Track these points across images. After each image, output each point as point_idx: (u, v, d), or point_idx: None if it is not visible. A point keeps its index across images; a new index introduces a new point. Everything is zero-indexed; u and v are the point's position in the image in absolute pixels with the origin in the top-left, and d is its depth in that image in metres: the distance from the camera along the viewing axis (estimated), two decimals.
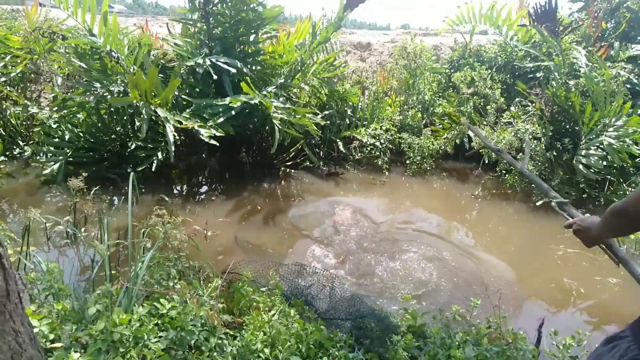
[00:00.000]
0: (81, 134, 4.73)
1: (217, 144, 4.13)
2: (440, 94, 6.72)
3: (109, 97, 4.42)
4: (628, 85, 5.44)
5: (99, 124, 4.80)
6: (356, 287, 3.23)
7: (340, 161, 6.02)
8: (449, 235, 4.17)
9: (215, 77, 4.56)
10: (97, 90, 4.39)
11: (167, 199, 3.89)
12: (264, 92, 4.65)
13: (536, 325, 2.37)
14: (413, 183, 5.67)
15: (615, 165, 4.71)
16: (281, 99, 4.84)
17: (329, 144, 6.04)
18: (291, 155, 5.75)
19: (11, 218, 3.91)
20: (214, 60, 4.54)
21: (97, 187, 3.83)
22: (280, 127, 4.44)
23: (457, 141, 5.99)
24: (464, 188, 5.53)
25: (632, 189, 4.77)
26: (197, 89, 4.87)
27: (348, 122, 6.21)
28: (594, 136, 4.87)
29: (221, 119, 4.35)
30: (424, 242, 3.98)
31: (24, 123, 5.66)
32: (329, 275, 3.08)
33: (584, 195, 5.03)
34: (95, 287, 2.17)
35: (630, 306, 3.25)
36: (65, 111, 4.61)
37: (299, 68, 5.27)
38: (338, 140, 5.96)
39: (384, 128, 6.08)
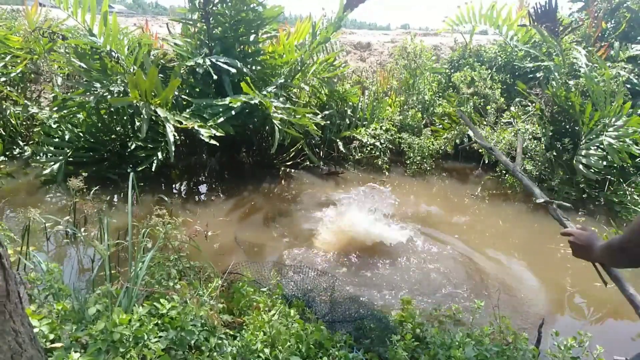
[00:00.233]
0: (81, 134, 4.73)
1: (217, 144, 4.13)
2: (440, 94, 6.72)
3: (109, 97, 4.42)
4: (628, 85, 5.44)
5: (99, 124, 4.80)
6: (356, 287, 3.23)
7: (340, 161, 6.02)
8: (449, 235, 4.17)
9: (215, 77, 4.56)
10: (97, 90, 4.39)
11: (167, 199, 3.89)
12: (264, 92, 4.64)
13: (536, 325, 2.38)
14: (413, 183, 5.67)
15: (615, 165, 4.71)
16: (281, 99, 4.84)
17: (329, 143, 6.04)
18: (291, 155, 5.75)
19: (11, 218, 3.91)
20: (214, 60, 4.54)
21: (97, 187, 3.83)
22: (280, 127, 4.45)
23: (457, 141, 5.99)
24: (464, 188, 5.53)
25: (632, 189, 4.78)
26: (197, 89, 4.87)
27: (348, 122, 6.21)
28: (594, 136, 4.87)
29: (221, 119, 4.35)
30: (424, 241, 3.98)
31: (24, 123, 5.66)
32: (329, 275, 3.08)
33: (584, 195, 5.04)
34: (95, 287, 2.17)
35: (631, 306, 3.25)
36: (65, 111, 4.61)
37: (299, 68, 5.27)
38: (338, 140, 5.96)
39: (384, 128, 6.08)
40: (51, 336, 1.68)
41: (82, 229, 3.40)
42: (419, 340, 2.25)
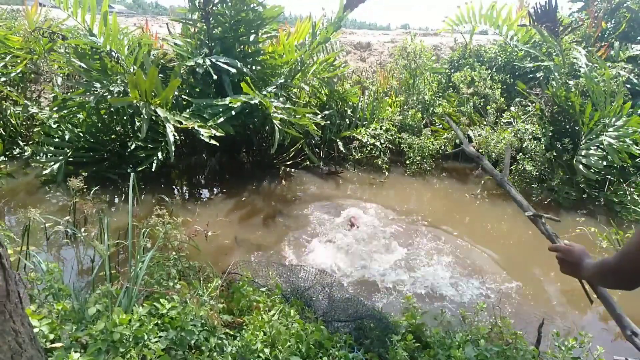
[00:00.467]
0: (81, 134, 4.73)
1: (217, 144, 4.13)
2: (440, 94, 6.72)
3: (109, 97, 4.42)
4: (628, 85, 5.44)
5: (99, 124, 4.80)
6: (356, 286, 3.23)
7: (340, 161, 6.02)
8: (449, 235, 4.17)
9: (215, 77, 4.57)
10: (97, 90, 4.39)
11: (167, 199, 3.89)
12: (264, 92, 4.64)
13: (536, 325, 2.38)
14: (413, 183, 5.67)
15: (615, 165, 4.71)
16: (281, 99, 4.84)
17: (329, 144, 6.04)
18: (291, 155, 5.75)
19: (11, 218, 3.91)
20: (214, 60, 4.54)
21: (97, 187, 3.83)
22: (280, 127, 4.44)
23: (457, 141, 5.98)
24: (464, 188, 5.53)
25: (632, 189, 4.78)
26: (197, 89, 4.87)
27: (348, 122, 6.21)
28: (594, 136, 4.87)
29: (221, 119, 4.35)
30: (424, 241, 3.99)
31: (24, 123, 5.66)
32: (329, 275, 3.08)
33: (584, 196, 5.03)
34: (95, 287, 2.17)
35: (632, 305, 3.26)
36: (65, 111, 4.61)
37: (299, 68, 5.27)
38: (338, 140, 5.96)
39: (384, 128, 6.08)
40: (51, 336, 1.68)
41: (82, 229, 3.40)
42: (419, 341, 2.25)
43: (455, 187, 5.59)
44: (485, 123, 5.81)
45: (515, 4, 6.77)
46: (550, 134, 5.32)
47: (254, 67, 5.14)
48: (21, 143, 5.42)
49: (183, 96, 4.82)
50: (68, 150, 4.59)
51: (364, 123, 6.23)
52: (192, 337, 1.85)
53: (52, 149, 4.70)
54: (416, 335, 2.29)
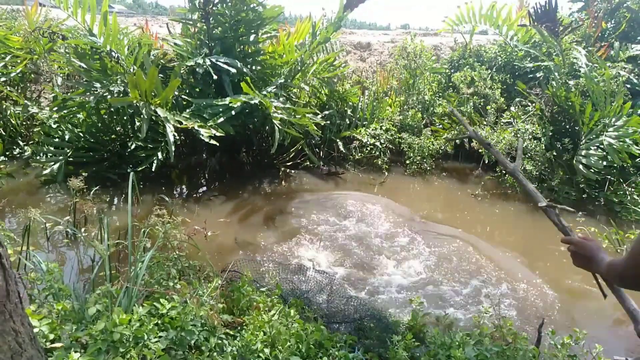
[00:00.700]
0: (81, 134, 4.73)
1: (217, 144, 4.13)
2: (440, 94, 6.72)
3: (109, 97, 4.42)
4: (628, 85, 5.44)
5: (99, 124, 4.80)
6: (356, 286, 3.23)
7: (340, 161, 6.02)
8: (448, 235, 4.17)
9: (215, 77, 4.57)
10: (97, 90, 4.39)
11: (167, 198, 3.89)
12: (264, 92, 4.65)
13: (536, 325, 2.37)
14: (413, 183, 5.67)
15: (615, 165, 4.71)
16: (281, 99, 4.84)
17: (329, 144, 6.04)
18: (291, 156, 5.75)
19: (11, 218, 3.91)
20: (214, 60, 4.54)
21: (97, 187, 3.83)
22: (280, 127, 4.45)
23: (457, 141, 5.99)
24: (464, 188, 5.53)
25: (632, 189, 4.78)
26: (197, 89, 4.87)
27: (348, 122, 6.21)
28: (594, 136, 4.87)
29: (221, 119, 4.35)
30: (423, 241, 3.98)
31: (24, 123, 5.66)
32: (329, 276, 3.08)
33: (584, 196, 5.03)
34: (95, 287, 2.17)
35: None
36: (65, 111, 4.61)
37: (299, 68, 5.27)
38: (338, 140, 5.96)
39: (384, 128, 6.08)
40: (51, 336, 1.68)
41: (82, 229, 3.40)
42: (420, 341, 2.25)
43: (456, 187, 5.59)
44: (485, 123, 5.81)
45: (515, 4, 6.77)
46: (550, 134, 5.32)
47: (254, 67, 5.14)
48: (21, 143, 5.42)
49: (183, 96, 4.82)
50: (68, 150, 4.59)
51: (364, 123, 6.23)
52: (192, 337, 1.85)
53: (52, 149, 4.70)
54: (416, 335, 2.29)
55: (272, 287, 2.62)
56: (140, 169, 4.45)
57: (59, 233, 3.54)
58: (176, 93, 4.64)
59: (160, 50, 5.31)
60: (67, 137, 4.70)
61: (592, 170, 4.78)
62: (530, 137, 5.18)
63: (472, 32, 6.99)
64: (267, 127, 5.38)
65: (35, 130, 5.40)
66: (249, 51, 5.14)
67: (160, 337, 1.79)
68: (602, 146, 4.76)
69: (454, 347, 2.05)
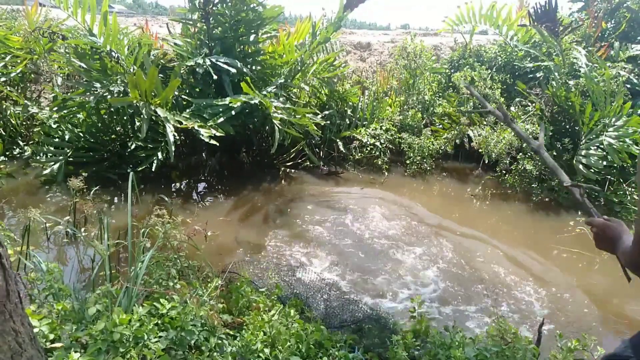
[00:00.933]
0: (81, 134, 4.73)
1: (217, 144, 4.13)
2: (440, 94, 6.72)
3: (109, 97, 4.42)
4: (628, 85, 5.44)
5: (99, 124, 4.80)
6: (356, 288, 3.23)
7: (340, 161, 6.02)
8: (448, 235, 4.17)
9: (215, 77, 4.57)
10: (97, 90, 4.39)
11: (167, 199, 3.89)
12: (264, 92, 4.65)
13: (536, 324, 2.37)
14: (413, 183, 5.67)
15: (615, 165, 4.71)
16: (281, 99, 4.84)
17: (329, 144, 6.04)
18: (291, 156, 5.75)
19: (11, 218, 3.91)
20: (214, 60, 4.54)
21: (97, 187, 3.82)
22: (280, 127, 4.45)
23: (457, 141, 5.99)
24: (464, 188, 5.53)
25: (632, 189, 4.78)
26: (197, 89, 4.87)
27: (348, 122, 6.21)
28: (594, 136, 4.87)
29: (221, 119, 4.36)
30: (423, 242, 3.98)
31: (24, 123, 5.66)
32: (328, 277, 3.08)
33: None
34: (95, 287, 2.17)
35: (633, 306, 3.26)
36: (65, 111, 4.61)
37: (299, 68, 5.27)
38: (338, 140, 5.96)
39: (384, 128, 6.08)
40: (51, 336, 1.68)
41: (82, 229, 3.40)
42: (420, 341, 2.25)
43: (456, 187, 5.59)
44: (485, 123, 5.81)
45: (515, 4, 6.77)
46: (550, 134, 5.32)
47: (254, 67, 5.14)
48: (21, 143, 5.42)
49: (183, 96, 4.82)
50: (68, 150, 4.59)
51: (364, 123, 6.23)
52: (192, 337, 1.85)
53: (52, 149, 4.71)
54: (416, 335, 2.29)
55: (271, 288, 2.61)
56: (140, 169, 4.45)
57: (59, 233, 3.54)
58: (176, 93, 4.64)
59: (160, 50, 5.31)
60: (67, 137, 4.70)
61: (592, 170, 4.78)
62: (530, 137, 5.18)
63: (472, 32, 6.99)
64: (267, 127, 5.38)
65: (35, 130, 5.40)
66: (249, 51, 5.14)
67: (160, 337, 1.79)
68: (602, 146, 4.76)
69: (454, 347, 2.05)
